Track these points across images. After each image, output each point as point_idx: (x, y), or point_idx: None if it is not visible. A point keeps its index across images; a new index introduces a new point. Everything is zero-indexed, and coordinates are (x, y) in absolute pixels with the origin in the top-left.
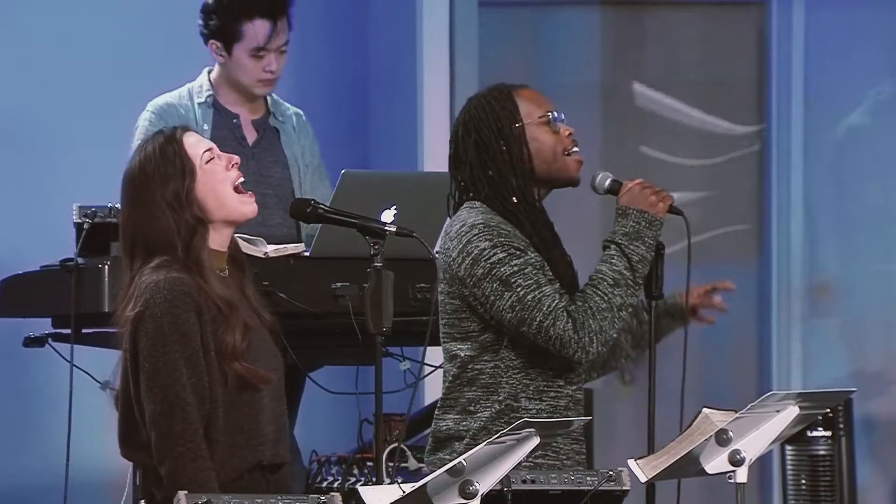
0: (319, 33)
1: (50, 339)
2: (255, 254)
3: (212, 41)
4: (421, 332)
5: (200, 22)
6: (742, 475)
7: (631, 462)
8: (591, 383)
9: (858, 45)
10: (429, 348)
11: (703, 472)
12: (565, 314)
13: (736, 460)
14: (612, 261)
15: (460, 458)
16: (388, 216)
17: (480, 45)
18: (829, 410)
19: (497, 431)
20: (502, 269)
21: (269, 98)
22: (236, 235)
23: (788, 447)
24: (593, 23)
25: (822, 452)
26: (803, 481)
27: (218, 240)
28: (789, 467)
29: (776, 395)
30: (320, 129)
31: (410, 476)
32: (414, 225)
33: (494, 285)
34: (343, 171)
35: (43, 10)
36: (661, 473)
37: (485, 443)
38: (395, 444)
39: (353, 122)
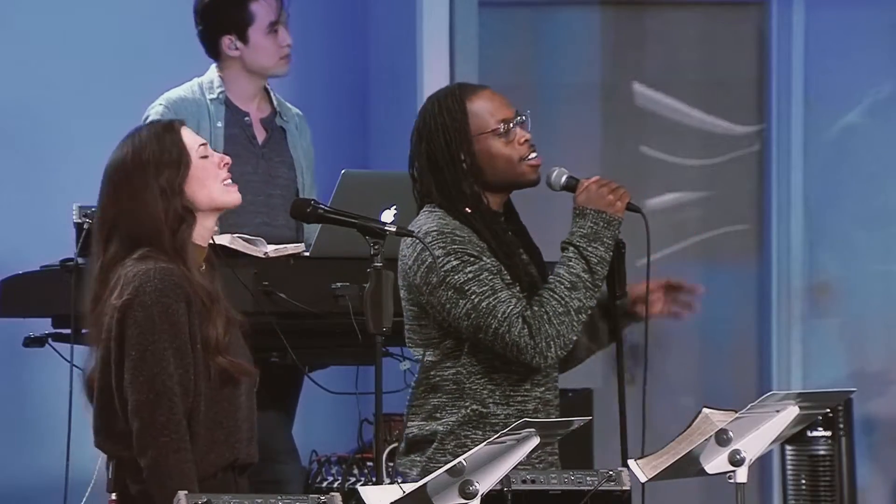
0: (319, 33)
1: (50, 339)
2: (255, 254)
3: (223, 37)
4: None
5: (202, 25)
6: (742, 475)
7: (631, 462)
8: (591, 383)
9: (858, 45)
10: None
11: (703, 472)
12: (520, 320)
13: (736, 460)
14: (570, 263)
15: (460, 459)
16: (388, 216)
17: (480, 45)
18: (829, 410)
19: (465, 435)
20: (456, 277)
21: (274, 98)
22: (237, 235)
23: (788, 447)
24: (593, 23)
25: (822, 452)
26: (803, 481)
27: (200, 232)
28: (789, 467)
29: (776, 395)
30: (320, 129)
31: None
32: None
33: (449, 293)
34: (343, 171)
35: (43, 9)
36: (661, 473)
37: (485, 443)
38: (395, 444)
39: (353, 122)
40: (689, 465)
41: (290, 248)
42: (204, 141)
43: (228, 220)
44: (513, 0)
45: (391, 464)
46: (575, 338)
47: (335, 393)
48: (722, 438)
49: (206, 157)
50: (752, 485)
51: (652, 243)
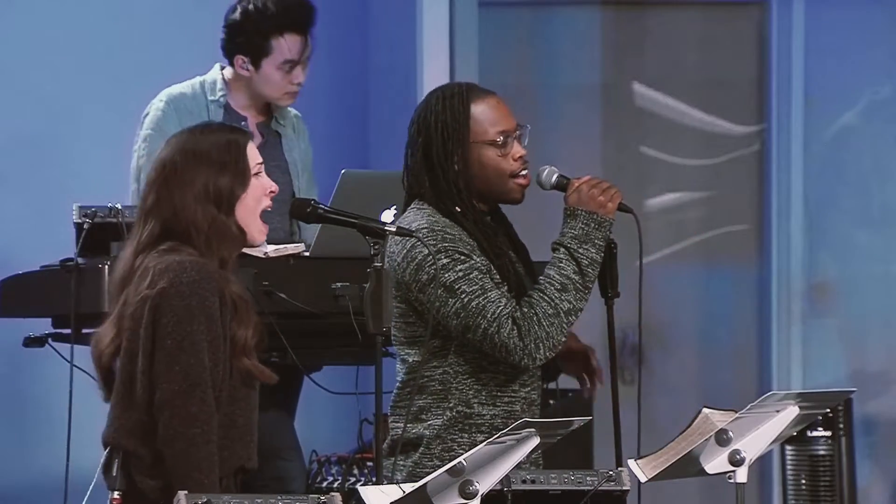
0: (319, 33)
1: (50, 339)
2: (255, 254)
3: (238, 56)
4: None
5: (224, 37)
6: (742, 475)
7: (631, 462)
8: None
9: (858, 45)
10: None
11: (703, 472)
12: (510, 321)
13: (736, 460)
14: (561, 264)
15: (460, 459)
16: (388, 216)
17: (480, 45)
18: (829, 410)
19: (451, 439)
20: (446, 276)
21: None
22: None
23: (788, 447)
24: (593, 23)
25: (822, 452)
26: (803, 481)
27: None
28: (789, 467)
29: (776, 395)
30: (320, 129)
31: None
32: None
33: (439, 291)
34: (343, 171)
35: (43, 10)
36: (661, 473)
37: (485, 443)
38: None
39: (353, 122)
40: (689, 465)
41: (290, 248)
42: (260, 160)
43: None
44: (513, 0)
45: None
46: (564, 340)
47: (335, 393)
48: (722, 438)
49: (258, 174)
50: (752, 485)
51: (652, 243)
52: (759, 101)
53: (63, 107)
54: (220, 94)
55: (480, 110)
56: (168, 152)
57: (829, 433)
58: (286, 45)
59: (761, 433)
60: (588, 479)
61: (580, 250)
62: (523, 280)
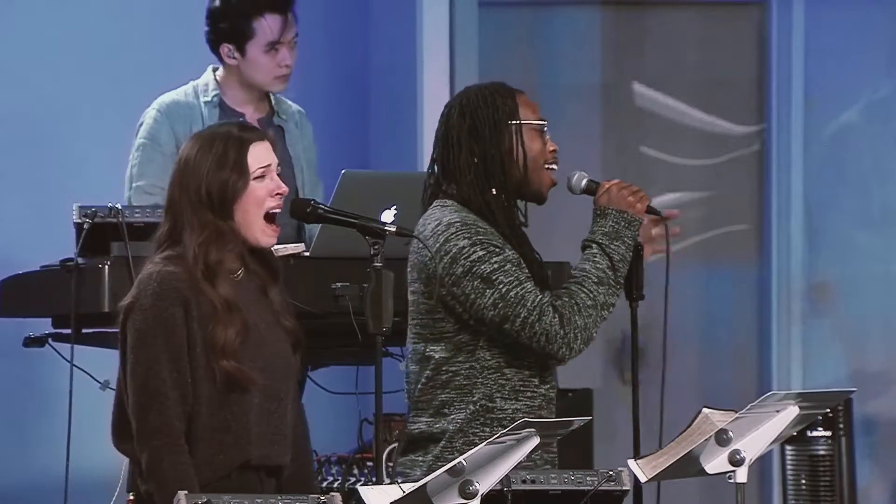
0: (319, 33)
1: (50, 339)
2: None
3: (223, 45)
4: None
5: (208, 27)
6: (742, 475)
7: (631, 462)
8: (591, 383)
9: (858, 45)
10: None
11: (703, 472)
12: (551, 309)
13: (736, 460)
14: (595, 259)
15: (460, 458)
16: (388, 216)
17: (480, 45)
18: (829, 410)
19: (473, 433)
20: (482, 267)
21: (272, 96)
22: None
23: (788, 447)
24: (593, 23)
25: (822, 452)
26: (803, 481)
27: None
28: (789, 467)
29: (776, 395)
30: (320, 129)
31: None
32: (414, 225)
33: (475, 283)
34: (343, 171)
35: (43, 10)
36: (661, 473)
37: (485, 443)
38: (395, 444)
39: (353, 122)
40: (689, 465)
41: (290, 248)
42: (267, 162)
43: None
44: (513, 0)
45: (391, 464)
46: (596, 333)
47: (335, 393)
48: (722, 438)
49: (261, 177)
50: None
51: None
52: (759, 101)
53: (63, 107)
54: (212, 94)
55: (522, 100)
56: (183, 152)
57: (829, 433)
58: (267, 25)
59: (761, 433)
60: (588, 479)
61: (611, 246)
62: (547, 279)
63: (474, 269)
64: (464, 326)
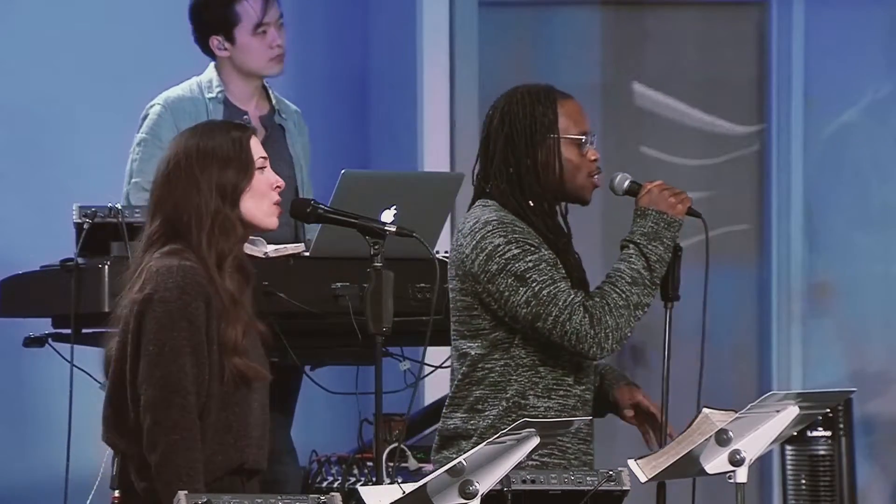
0: (319, 33)
1: (50, 339)
2: (255, 254)
3: (211, 38)
4: (421, 332)
5: (192, 25)
6: (742, 475)
7: (631, 462)
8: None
9: (858, 44)
10: (429, 348)
11: (703, 472)
12: (582, 308)
13: (736, 460)
14: (631, 259)
15: (460, 458)
16: (388, 216)
17: (480, 45)
18: (829, 410)
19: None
20: (517, 265)
21: (272, 95)
22: None
23: (788, 447)
24: (593, 23)
25: (822, 452)
26: (803, 481)
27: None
28: (789, 467)
29: (776, 395)
30: (320, 129)
31: (410, 476)
32: (414, 225)
33: (509, 281)
34: (343, 171)
35: (43, 10)
36: (661, 473)
37: (485, 442)
38: (395, 444)
39: (353, 122)
40: (689, 465)
41: (290, 248)
42: (264, 154)
43: None
44: (513, 0)
45: (391, 464)
46: (630, 333)
47: (335, 393)
48: (722, 438)
49: (264, 168)
50: (752, 485)
51: None
52: (759, 101)
53: (63, 107)
54: (217, 90)
55: (565, 109)
56: (172, 151)
57: (829, 433)
58: (250, 6)
59: (761, 433)
60: (588, 479)
61: (649, 247)
62: (586, 279)
63: (509, 266)
64: (499, 323)
